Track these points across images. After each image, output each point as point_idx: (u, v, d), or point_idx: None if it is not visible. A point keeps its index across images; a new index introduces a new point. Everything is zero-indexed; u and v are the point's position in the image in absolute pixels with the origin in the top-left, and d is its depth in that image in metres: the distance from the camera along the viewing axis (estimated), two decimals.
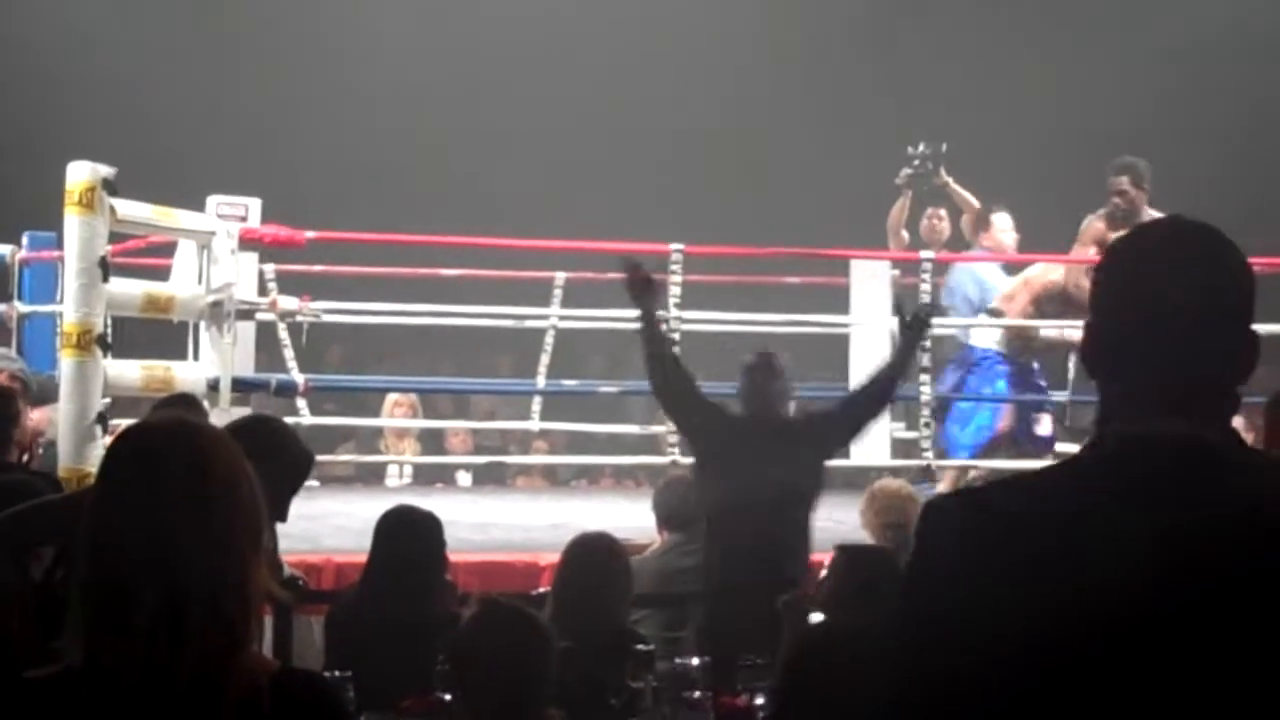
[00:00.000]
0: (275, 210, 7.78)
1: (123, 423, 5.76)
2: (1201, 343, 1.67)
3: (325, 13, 13.05)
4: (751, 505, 5.37)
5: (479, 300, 9.13)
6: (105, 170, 6.30)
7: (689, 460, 6.27)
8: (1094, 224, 8.33)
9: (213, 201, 7.47)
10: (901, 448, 8.92)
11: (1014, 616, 1.57)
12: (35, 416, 6.05)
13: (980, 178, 9.59)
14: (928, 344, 8.34)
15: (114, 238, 6.60)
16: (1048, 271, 8.67)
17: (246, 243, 7.46)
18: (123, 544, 1.97)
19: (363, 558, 4.92)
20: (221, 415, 6.45)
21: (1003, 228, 9.09)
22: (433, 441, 10.90)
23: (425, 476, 10.47)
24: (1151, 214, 7.80)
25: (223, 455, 2.04)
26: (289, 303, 7.83)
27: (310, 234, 7.80)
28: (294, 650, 4.55)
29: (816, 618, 4.13)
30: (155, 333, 7.59)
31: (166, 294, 7.12)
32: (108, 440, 5.83)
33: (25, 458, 5.42)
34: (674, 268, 7.99)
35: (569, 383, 9.44)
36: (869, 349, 8.64)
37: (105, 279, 6.34)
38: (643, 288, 5.77)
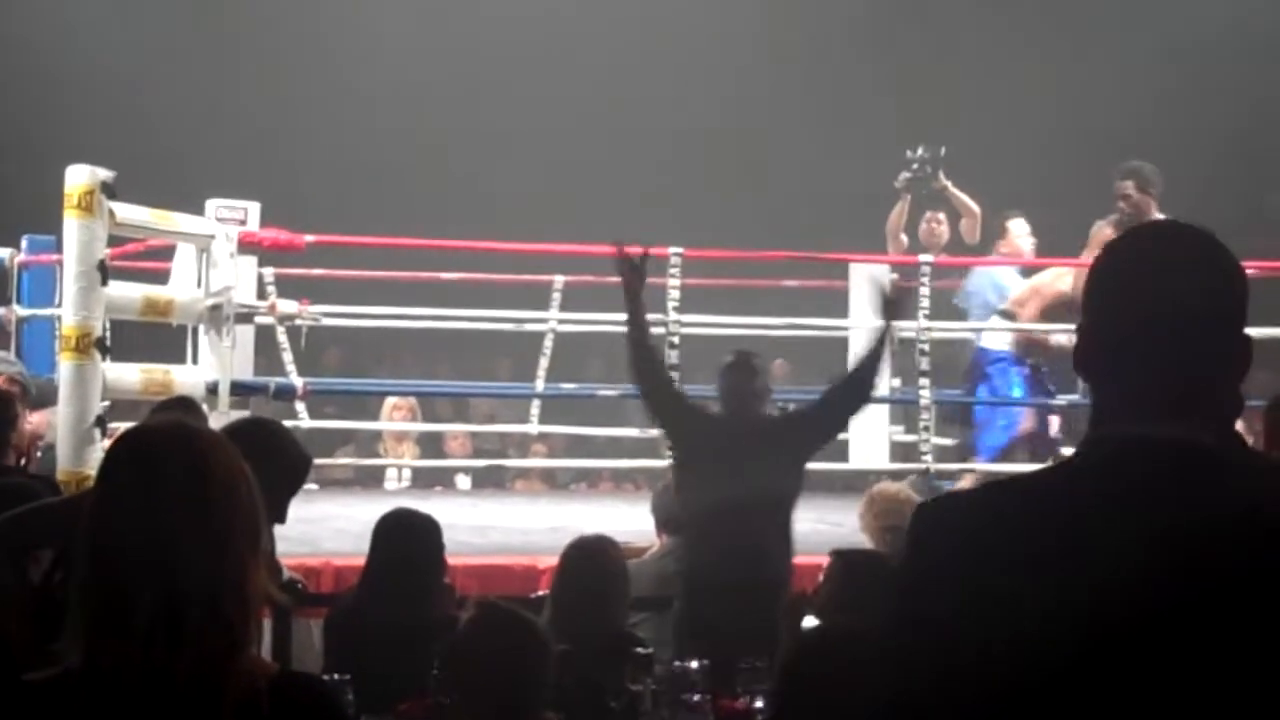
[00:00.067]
0: (274, 212, 7.78)
1: (121, 426, 5.75)
2: (1197, 345, 1.67)
3: (325, 13, 13.05)
4: (731, 506, 5.34)
5: (478, 304, 9.13)
6: (104, 174, 6.30)
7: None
8: (1103, 229, 8.31)
9: (212, 205, 7.48)
10: (901, 451, 8.92)
11: (1010, 618, 1.57)
12: (34, 419, 6.04)
13: (980, 178, 9.59)
14: (926, 347, 8.36)
15: (113, 241, 6.60)
16: (1056, 280, 8.65)
17: (245, 246, 7.47)
18: (122, 546, 1.97)
19: (362, 561, 4.92)
20: (220, 419, 6.45)
21: (1019, 233, 9.08)
22: (432, 445, 10.91)
23: (424, 479, 10.48)
24: (1160, 218, 7.80)
25: (221, 458, 2.04)
26: (288, 306, 7.83)
27: (309, 238, 7.80)
28: (293, 653, 4.55)
29: (811, 622, 4.13)
30: (154, 336, 7.58)
31: (165, 297, 7.12)
32: (106, 443, 5.82)
33: (23, 461, 5.41)
34: (672, 270, 7.99)
35: (568, 386, 9.45)
36: None
37: (104, 282, 6.34)
38: (632, 264, 5.74)
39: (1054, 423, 8.78)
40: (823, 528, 7.55)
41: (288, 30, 12.77)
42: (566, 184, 12.53)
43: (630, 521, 6.76)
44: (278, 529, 3.82)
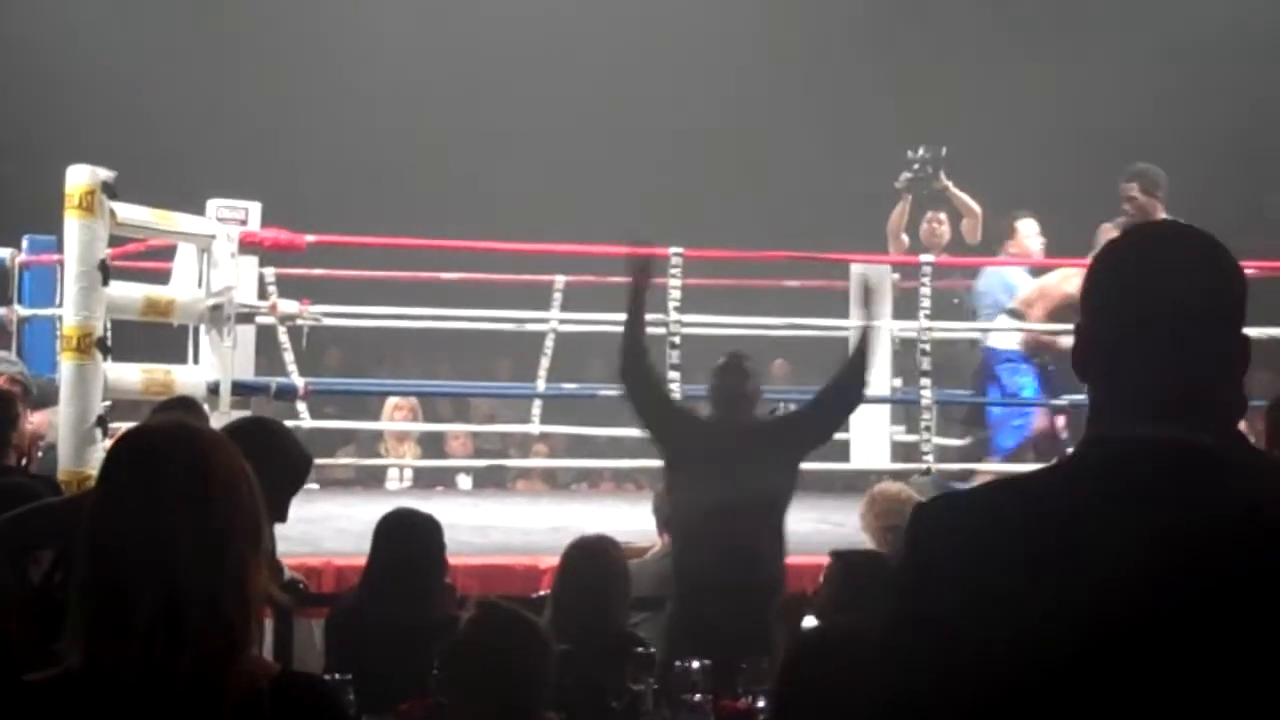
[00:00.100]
0: (275, 211, 7.78)
1: (123, 426, 5.75)
2: (1195, 345, 1.67)
3: (325, 13, 13.05)
4: (721, 509, 5.32)
5: (479, 304, 9.13)
6: (105, 174, 6.30)
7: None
8: (1108, 232, 8.30)
9: (213, 205, 7.47)
10: (902, 451, 8.92)
11: (1009, 618, 1.57)
12: (35, 419, 6.04)
13: (980, 178, 9.60)
14: (927, 347, 8.36)
15: (114, 241, 6.60)
16: (1063, 282, 8.63)
17: (246, 246, 7.46)
18: (122, 546, 1.97)
19: (363, 561, 4.92)
20: (221, 419, 6.44)
21: (1028, 233, 9.07)
22: (433, 445, 10.91)
23: (425, 479, 10.48)
24: (1159, 219, 7.79)
25: (222, 458, 2.05)
26: (289, 306, 7.83)
27: (310, 238, 7.80)
28: (294, 653, 4.56)
29: (811, 623, 4.13)
30: (155, 336, 7.58)
31: (166, 297, 7.12)
32: (108, 443, 5.82)
33: (24, 461, 5.41)
34: (673, 271, 7.99)
35: (569, 386, 9.45)
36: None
37: (105, 282, 6.34)
38: (643, 264, 5.73)
39: (1059, 422, 8.78)
40: (824, 528, 7.56)
41: (288, 30, 12.77)
42: (566, 184, 12.53)
43: (632, 521, 6.76)
44: (279, 529, 3.82)
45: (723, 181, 13.00)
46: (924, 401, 8.34)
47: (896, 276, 8.99)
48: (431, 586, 4.74)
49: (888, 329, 8.70)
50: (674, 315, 7.98)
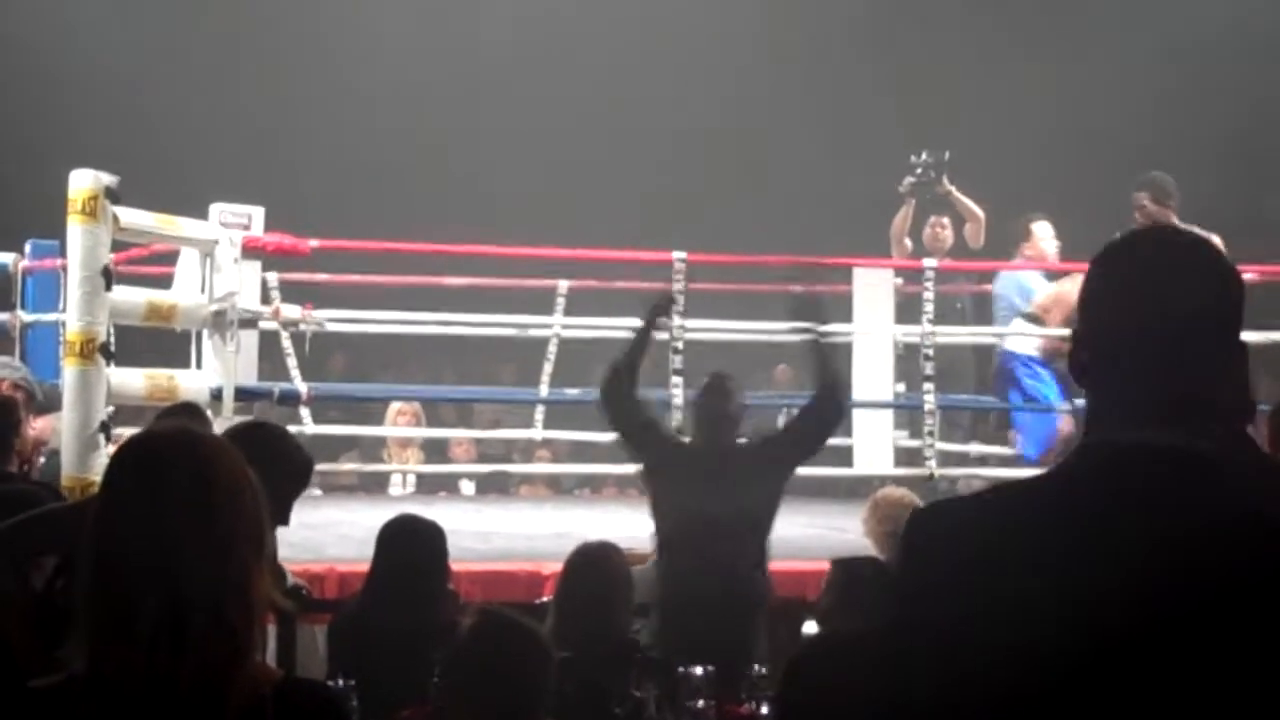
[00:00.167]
0: (276, 212, 7.77)
1: (126, 432, 5.76)
2: (1193, 350, 1.67)
3: (325, 13, 13.05)
4: (702, 531, 5.32)
5: (482, 309, 9.13)
6: (108, 178, 6.30)
7: None
8: None
9: (216, 210, 7.47)
10: (905, 456, 8.92)
11: (1008, 624, 1.57)
12: (38, 425, 6.03)
13: (980, 179, 9.60)
14: (931, 352, 8.36)
15: (117, 246, 6.60)
16: (1077, 289, 8.62)
17: (250, 251, 7.47)
18: (126, 552, 1.97)
19: (366, 566, 4.92)
20: (225, 424, 6.44)
21: (1043, 235, 9.08)
22: (436, 450, 10.90)
23: (428, 485, 10.48)
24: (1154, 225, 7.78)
25: (226, 464, 2.05)
26: (292, 311, 7.84)
27: (314, 243, 7.81)
28: (297, 659, 4.55)
29: (811, 628, 4.13)
30: (158, 341, 7.59)
31: (170, 302, 7.12)
32: (111, 449, 5.82)
33: (25, 467, 5.41)
34: (677, 276, 7.99)
35: (572, 391, 9.43)
36: (872, 358, 8.64)
37: (108, 287, 6.34)
38: (665, 308, 5.79)
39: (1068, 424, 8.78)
40: (827, 533, 7.56)
41: (288, 30, 12.77)
42: (566, 184, 12.54)
43: (634, 527, 6.74)
44: (282, 534, 3.82)
45: (723, 182, 12.99)
46: (927, 406, 8.34)
47: (899, 281, 8.99)
48: (434, 592, 4.73)
49: (891, 335, 8.72)
50: (677, 320, 7.98)
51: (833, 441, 9.13)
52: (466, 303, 9.25)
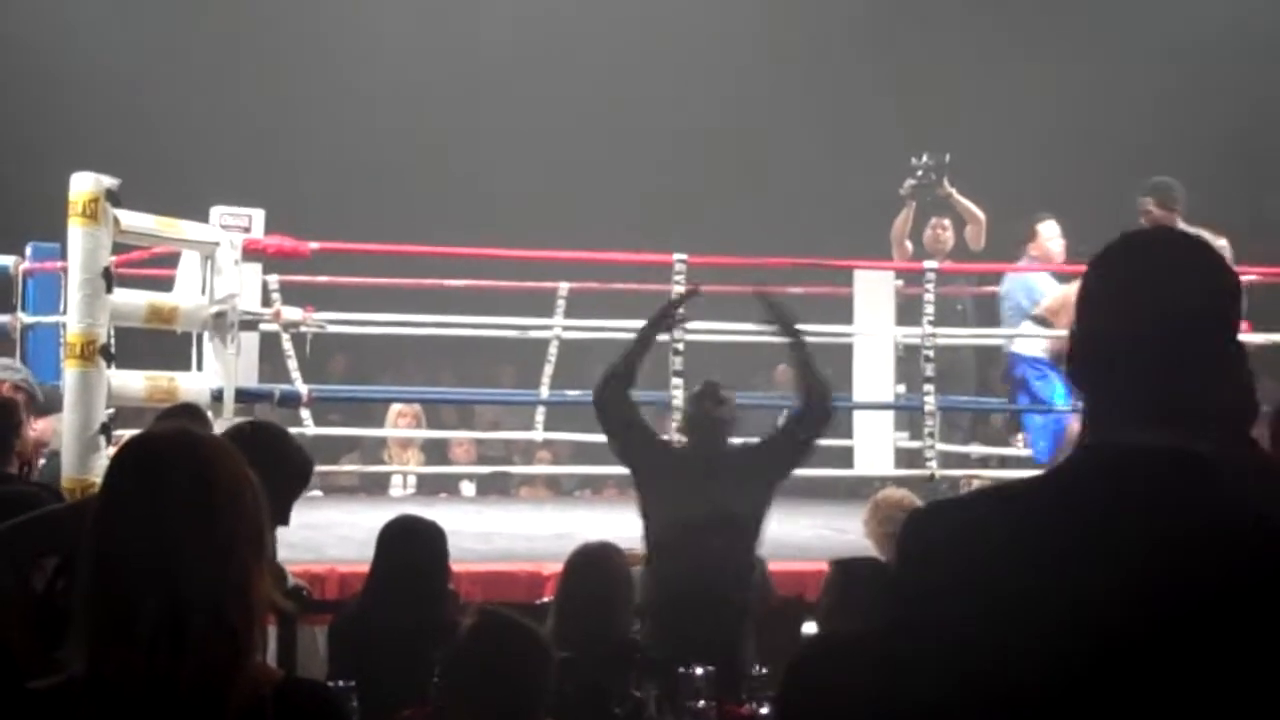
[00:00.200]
0: (276, 213, 7.77)
1: (126, 433, 5.76)
2: (1190, 351, 1.67)
3: (325, 13, 13.06)
4: (691, 536, 5.33)
5: (482, 310, 9.13)
6: (109, 181, 6.30)
7: None
8: None
9: (216, 212, 7.47)
10: (905, 457, 8.92)
11: (1006, 624, 1.57)
12: (39, 426, 6.04)
13: (980, 179, 9.60)
14: (931, 353, 8.36)
15: (117, 248, 6.60)
16: None
17: (250, 253, 7.47)
18: (126, 553, 1.98)
19: (366, 567, 4.92)
20: (225, 426, 6.45)
21: (1049, 235, 9.09)
22: (436, 451, 10.90)
23: (429, 486, 10.48)
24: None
25: (226, 465, 2.05)
26: (292, 313, 7.84)
27: (314, 245, 7.81)
28: (298, 660, 4.55)
29: (811, 629, 4.13)
30: (159, 343, 7.59)
31: (170, 305, 7.11)
32: (111, 451, 5.82)
33: (25, 469, 5.41)
34: (677, 277, 7.99)
35: (572, 393, 9.43)
36: (872, 360, 8.64)
37: (109, 290, 6.34)
38: (672, 316, 5.91)
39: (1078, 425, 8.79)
40: (827, 534, 7.56)
41: (288, 31, 12.77)
42: (566, 185, 12.54)
43: (635, 528, 6.73)
44: (282, 536, 3.82)
45: (723, 182, 12.99)
46: (927, 408, 8.34)
47: (900, 283, 9.00)
48: (435, 593, 4.73)
49: (891, 337, 8.73)
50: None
51: (833, 442, 9.17)
52: (467, 304, 9.25)
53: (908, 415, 9.05)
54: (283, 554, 4.20)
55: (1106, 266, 1.74)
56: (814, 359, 5.74)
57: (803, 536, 7.56)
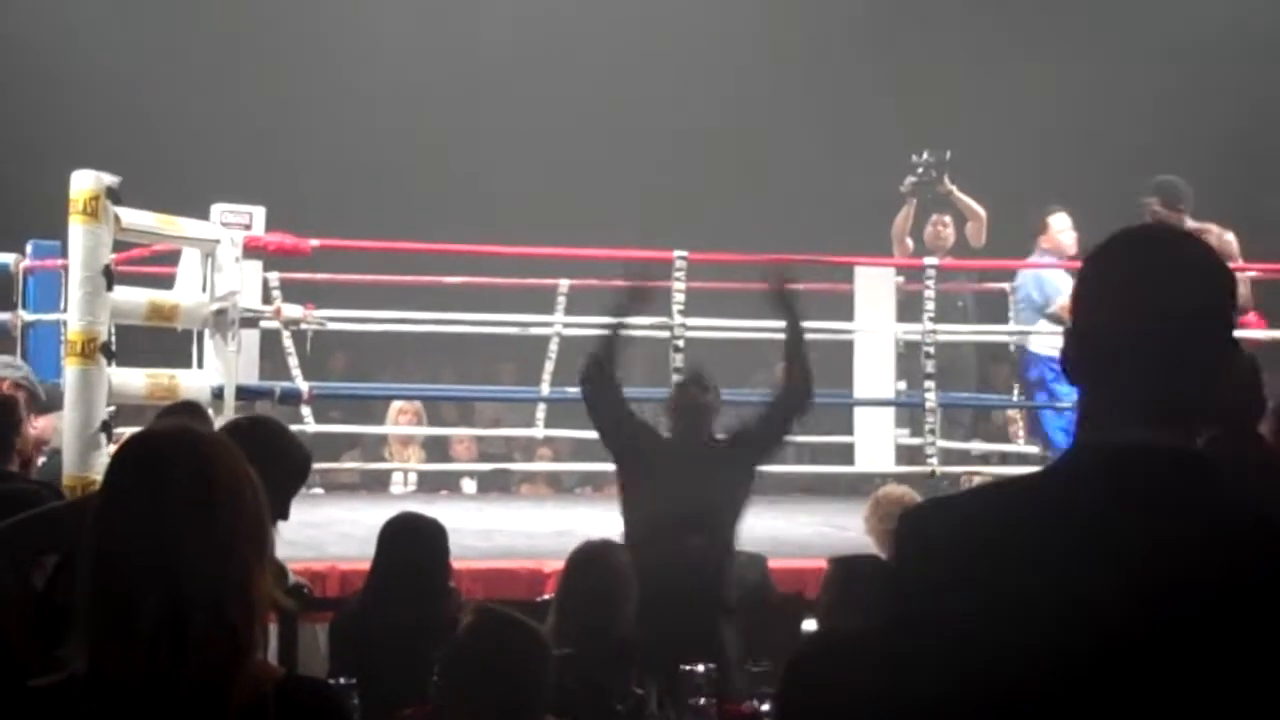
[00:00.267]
0: (276, 212, 7.78)
1: (127, 431, 5.76)
2: (1187, 349, 1.67)
3: (325, 13, 13.05)
4: (671, 522, 5.34)
5: (483, 307, 9.13)
6: (110, 179, 6.30)
7: None
8: None
9: (217, 209, 7.48)
10: (906, 454, 8.93)
11: (1004, 621, 1.57)
12: (39, 424, 6.04)
13: (980, 178, 9.60)
14: (931, 350, 8.36)
15: (118, 246, 6.61)
16: None
17: (251, 251, 7.47)
18: (127, 551, 1.98)
19: (367, 565, 4.93)
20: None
21: (1060, 228, 9.09)
22: (437, 449, 10.91)
23: (430, 483, 10.48)
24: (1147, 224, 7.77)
25: (227, 462, 2.05)
26: (293, 311, 7.84)
27: (314, 242, 7.81)
28: (299, 658, 4.56)
29: (811, 626, 4.13)
30: (159, 341, 7.59)
31: (171, 302, 7.12)
32: (112, 448, 5.82)
33: (26, 467, 5.41)
34: (677, 274, 8.00)
35: (573, 390, 9.42)
36: (873, 356, 8.65)
37: (109, 287, 6.34)
38: (641, 295, 5.78)
39: None
40: (827, 531, 7.57)
41: (288, 30, 12.77)
42: (566, 184, 12.53)
43: None
44: (283, 534, 3.82)
45: (723, 182, 12.99)
46: (928, 404, 8.34)
47: (901, 279, 9.00)
48: (436, 591, 4.74)
49: (892, 334, 8.73)
50: (678, 319, 7.99)
51: (834, 439, 9.19)
52: (467, 302, 9.25)
53: (908, 412, 9.05)
54: (283, 552, 4.19)
55: (1106, 261, 1.74)
56: (808, 349, 5.75)
57: (803, 533, 7.57)
